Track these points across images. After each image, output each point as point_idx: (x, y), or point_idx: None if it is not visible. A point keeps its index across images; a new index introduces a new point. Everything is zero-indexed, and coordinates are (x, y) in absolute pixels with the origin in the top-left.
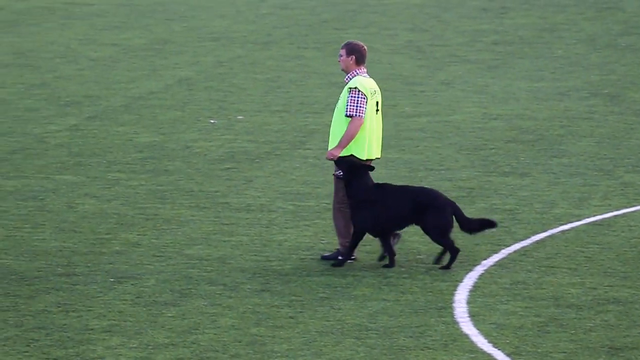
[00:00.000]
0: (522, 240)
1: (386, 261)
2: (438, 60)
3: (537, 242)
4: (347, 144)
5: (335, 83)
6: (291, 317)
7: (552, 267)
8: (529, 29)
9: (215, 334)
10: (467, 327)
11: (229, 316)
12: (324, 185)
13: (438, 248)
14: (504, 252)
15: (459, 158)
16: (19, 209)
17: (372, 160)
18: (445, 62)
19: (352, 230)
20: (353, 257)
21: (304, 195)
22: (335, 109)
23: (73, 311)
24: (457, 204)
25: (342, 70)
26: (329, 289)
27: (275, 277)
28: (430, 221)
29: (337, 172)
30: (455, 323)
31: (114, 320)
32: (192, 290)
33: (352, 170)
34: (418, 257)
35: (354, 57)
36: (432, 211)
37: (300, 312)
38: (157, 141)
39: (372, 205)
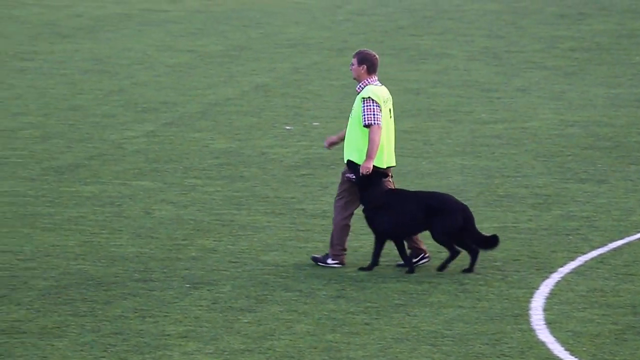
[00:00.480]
0: (599, 247)
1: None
2: (514, 66)
3: (614, 249)
4: (375, 153)
5: (410, 89)
6: (367, 324)
7: (629, 274)
8: (607, 35)
9: (290, 340)
10: (544, 334)
11: (305, 322)
12: None
13: (487, 255)
14: (581, 260)
15: (535, 165)
16: (96, 215)
17: (389, 167)
18: (522, 69)
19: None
20: (337, 263)
21: None
22: (350, 119)
23: (150, 317)
24: (470, 211)
25: (354, 79)
26: (404, 295)
27: (350, 284)
28: (439, 224)
29: (351, 176)
30: (532, 330)
31: (190, 326)
32: (268, 297)
33: (368, 178)
34: (494, 264)
35: (365, 66)
36: (442, 214)
37: (376, 318)
38: (233, 147)
39: (388, 209)
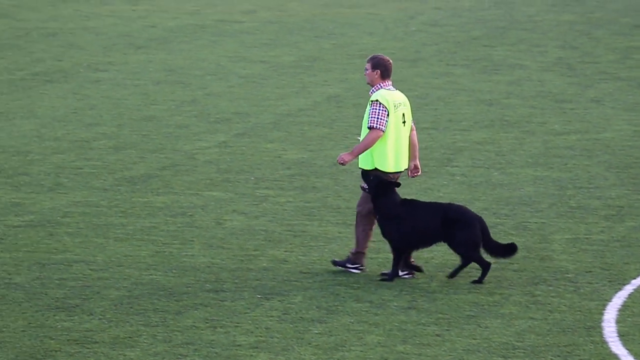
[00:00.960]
0: None
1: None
2: (588, 77)
3: None
4: (360, 153)
5: (483, 100)
6: (437, 335)
7: None
8: None
9: (361, 351)
10: (617, 347)
11: (376, 333)
12: (471, 202)
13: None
14: None
15: (608, 176)
16: (168, 225)
17: (400, 172)
18: (596, 80)
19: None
20: (362, 267)
21: None
22: (362, 123)
23: (221, 327)
24: (485, 222)
25: (368, 83)
26: (475, 307)
27: (421, 295)
28: (460, 236)
29: (364, 185)
30: (605, 343)
31: (261, 336)
32: (339, 307)
33: (380, 187)
34: (566, 275)
35: (379, 71)
36: (460, 226)
37: (447, 330)
38: (305, 158)
39: (401, 220)
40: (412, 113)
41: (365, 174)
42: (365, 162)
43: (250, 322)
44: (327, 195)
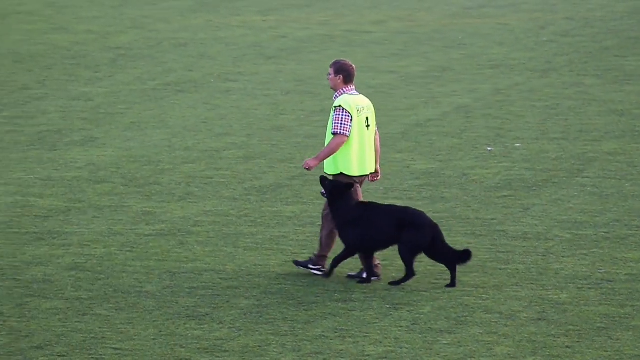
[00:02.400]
0: None
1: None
2: None
3: None
4: (325, 157)
5: (615, 111)
6: (568, 347)
7: None
8: None
9: None
10: None
11: (505, 345)
12: (603, 214)
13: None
14: None
15: None
16: (297, 235)
17: (365, 175)
18: None
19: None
20: (323, 269)
21: (582, 223)
22: (327, 128)
23: (350, 337)
24: (439, 228)
25: (331, 88)
26: (606, 319)
27: (551, 306)
28: (406, 237)
29: (323, 191)
30: None
31: (390, 347)
32: (468, 318)
33: (335, 191)
34: None
35: (341, 76)
36: (410, 230)
37: (577, 342)
38: (434, 168)
39: (357, 223)
40: (375, 116)
41: (322, 179)
42: (330, 166)
43: (379, 332)
44: (456, 205)
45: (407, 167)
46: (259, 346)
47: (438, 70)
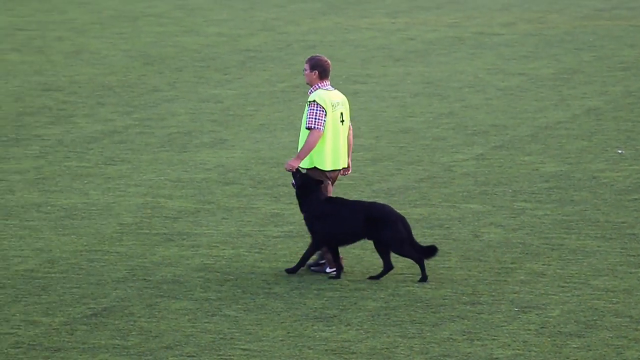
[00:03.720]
0: None
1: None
2: None
3: None
4: (305, 155)
5: None
6: None
7: None
8: None
9: None
10: None
11: (635, 349)
12: None
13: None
14: None
15: None
16: (425, 237)
17: (338, 170)
18: None
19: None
20: (335, 270)
21: None
22: (301, 123)
23: (478, 340)
24: (407, 221)
25: (307, 84)
26: None
27: None
28: (385, 235)
29: (293, 183)
30: None
31: (518, 350)
32: (598, 322)
33: (305, 186)
34: None
35: (317, 71)
36: (383, 225)
37: None
38: (563, 171)
39: (326, 218)
40: (350, 112)
41: (294, 173)
42: (304, 160)
43: (507, 335)
44: (586, 208)
45: (536, 169)
46: (387, 348)
47: (568, 72)
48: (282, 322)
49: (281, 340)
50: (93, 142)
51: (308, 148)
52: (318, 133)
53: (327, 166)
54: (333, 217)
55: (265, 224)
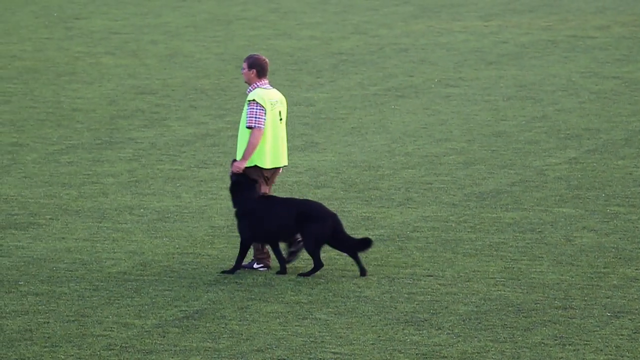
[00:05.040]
0: None
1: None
2: None
3: None
4: (251, 155)
5: None
6: None
7: None
8: None
9: None
10: None
11: None
12: None
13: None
14: None
15: None
16: (517, 241)
17: (278, 168)
18: None
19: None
20: (263, 266)
21: None
22: (240, 122)
23: (570, 344)
24: (339, 218)
25: (246, 82)
26: None
27: None
28: (308, 230)
29: (231, 175)
30: None
31: (611, 355)
32: None
33: (239, 183)
34: None
35: (255, 70)
36: (312, 221)
37: None
38: None
39: (256, 216)
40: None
41: (233, 161)
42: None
43: (599, 340)
44: None
45: (630, 173)
46: (478, 353)
47: None
48: (372, 326)
49: (372, 344)
50: (186, 145)
51: (252, 147)
52: (260, 132)
53: (267, 164)
54: (264, 216)
55: (357, 228)
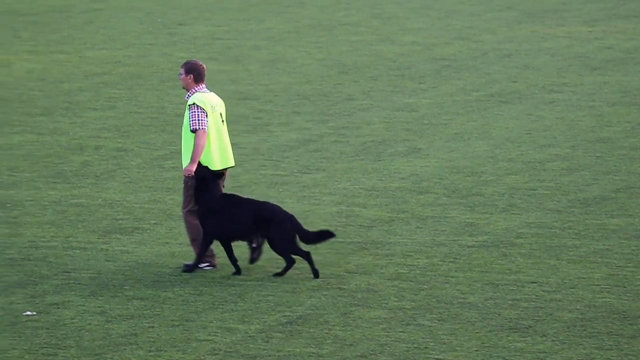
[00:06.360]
0: None
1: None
2: None
3: None
4: (199, 157)
5: None
6: None
7: None
8: None
9: None
10: None
11: None
12: None
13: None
14: None
15: None
16: (622, 248)
17: (226, 169)
18: None
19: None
20: (208, 265)
21: None
22: (182, 128)
23: None
24: (295, 217)
25: (183, 88)
26: None
27: None
28: (275, 234)
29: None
30: None
31: None
32: None
33: (202, 180)
34: None
35: (192, 75)
36: (274, 225)
37: None
38: None
39: (219, 213)
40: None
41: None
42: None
43: None
44: None
45: None
46: None
47: None
48: (476, 332)
49: (475, 351)
50: (288, 150)
51: (200, 149)
52: (204, 133)
53: (216, 165)
54: (224, 213)
55: (460, 234)
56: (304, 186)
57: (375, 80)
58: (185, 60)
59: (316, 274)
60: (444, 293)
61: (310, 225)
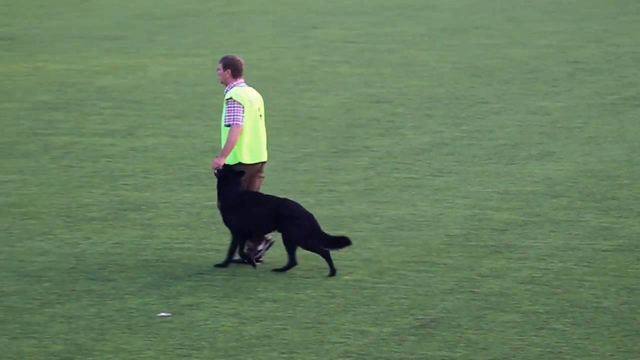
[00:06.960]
0: None
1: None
2: None
3: None
4: (229, 152)
5: None
6: None
7: None
8: None
9: None
10: None
11: None
12: None
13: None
14: None
15: None
16: None
17: (258, 163)
18: None
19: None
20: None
21: None
22: (221, 121)
23: None
24: (314, 217)
25: (222, 83)
26: None
27: None
28: (291, 232)
29: (215, 172)
30: None
31: None
32: None
33: (226, 178)
34: None
35: (229, 70)
36: (290, 222)
37: None
38: None
39: (240, 210)
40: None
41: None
42: (228, 158)
43: None
44: None
45: None
46: None
47: None
48: (611, 337)
49: (610, 355)
50: (421, 153)
51: (231, 144)
52: (238, 129)
53: (248, 160)
54: (246, 210)
55: (594, 238)
56: (437, 189)
57: (508, 83)
58: (223, 55)
59: (333, 273)
60: (578, 297)
61: (443, 228)
